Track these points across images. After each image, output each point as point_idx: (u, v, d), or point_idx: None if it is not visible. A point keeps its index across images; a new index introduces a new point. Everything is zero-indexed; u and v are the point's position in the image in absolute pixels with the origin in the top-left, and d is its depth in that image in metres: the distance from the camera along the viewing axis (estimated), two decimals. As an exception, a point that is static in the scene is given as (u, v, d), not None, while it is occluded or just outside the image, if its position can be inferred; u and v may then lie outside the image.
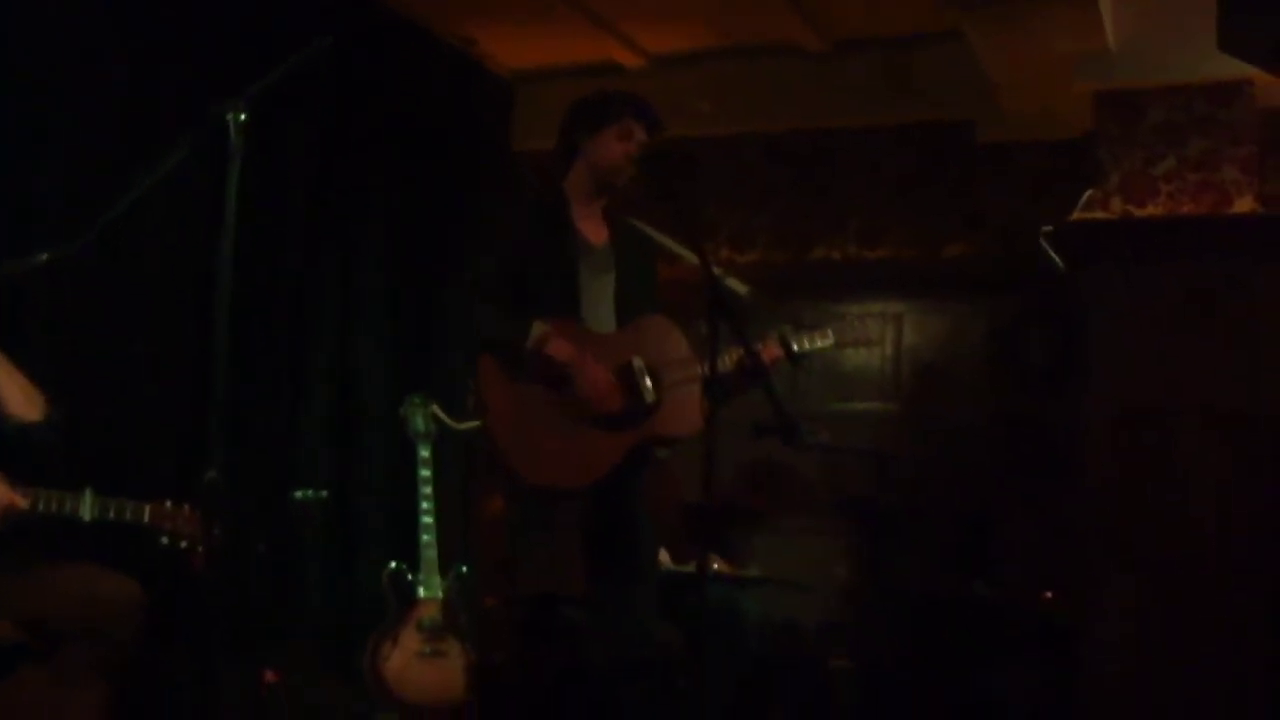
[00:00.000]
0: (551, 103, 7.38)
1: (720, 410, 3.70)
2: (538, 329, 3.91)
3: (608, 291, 4.14)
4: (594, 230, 4.18)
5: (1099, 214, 5.71)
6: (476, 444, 4.38)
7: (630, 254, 4.22)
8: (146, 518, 3.90)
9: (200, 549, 3.53)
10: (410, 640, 5.44)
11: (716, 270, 3.82)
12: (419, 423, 5.79)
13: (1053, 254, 5.66)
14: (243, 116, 3.10)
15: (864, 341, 4.51)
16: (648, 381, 3.98)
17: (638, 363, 3.99)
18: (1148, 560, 5.25)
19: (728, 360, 4.01)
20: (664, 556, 5.44)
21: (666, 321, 4.14)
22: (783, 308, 6.63)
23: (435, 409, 5.85)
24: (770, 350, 4.20)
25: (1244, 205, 5.56)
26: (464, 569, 5.66)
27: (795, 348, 4.23)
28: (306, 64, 3.23)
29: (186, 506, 3.95)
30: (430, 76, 6.82)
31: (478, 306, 4.05)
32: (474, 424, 4.15)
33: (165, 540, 3.92)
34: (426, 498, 5.67)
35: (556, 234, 4.10)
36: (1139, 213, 5.70)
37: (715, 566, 5.56)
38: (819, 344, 4.32)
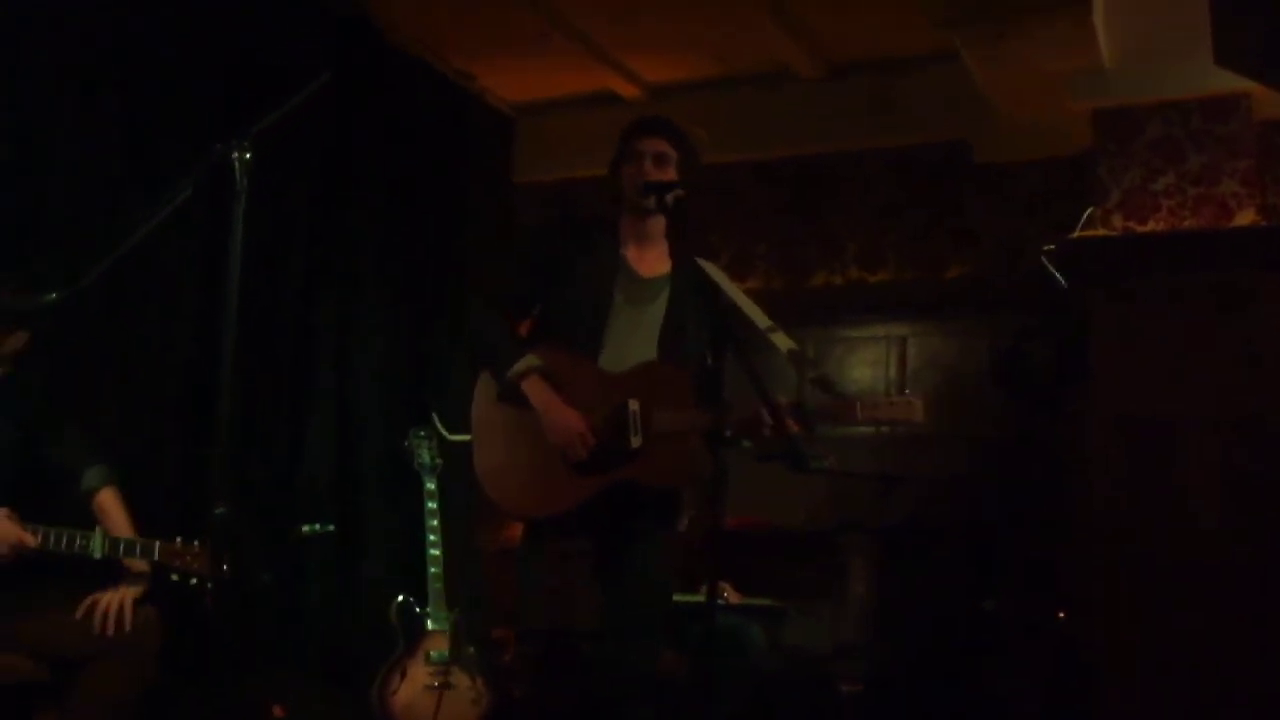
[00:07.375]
0: (551, 135, 7.48)
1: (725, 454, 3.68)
2: (524, 363, 3.91)
3: (649, 324, 4.08)
4: (648, 262, 4.14)
5: (1100, 231, 5.72)
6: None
7: (688, 292, 4.12)
8: (156, 555, 3.91)
9: (210, 585, 3.53)
10: (418, 672, 5.44)
11: (767, 324, 3.67)
12: (424, 455, 5.83)
13: (1055, 272, 5.66)
14: (248, 155, 3.12)
15: (896, 420, 4.26)
16: (637, 427, 3.96)
17: (633, 406, 3.95)
18: (1153, 571, 5.24)
19: (737, 423, 3.92)
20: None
21: (677, 370, 4.05)
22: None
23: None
24: (788, 424, 3.93)
25: (1244, 218, 5.57)
26: (471, 601, 5.66)
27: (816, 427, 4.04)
28: (307, 100, 3.25)
29: (196, 543, 3.95)
30: (430, 111, 6.84)
31: (481, 315, 4.08)
32: (467, 437, 4.13)
33: (175, 577, 3.92)
34: (433, 530, 5.69)
35: (595, 260, 4.08)
36: (1140, 229, 5.70)
37: (726, 595, 5.55)
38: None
